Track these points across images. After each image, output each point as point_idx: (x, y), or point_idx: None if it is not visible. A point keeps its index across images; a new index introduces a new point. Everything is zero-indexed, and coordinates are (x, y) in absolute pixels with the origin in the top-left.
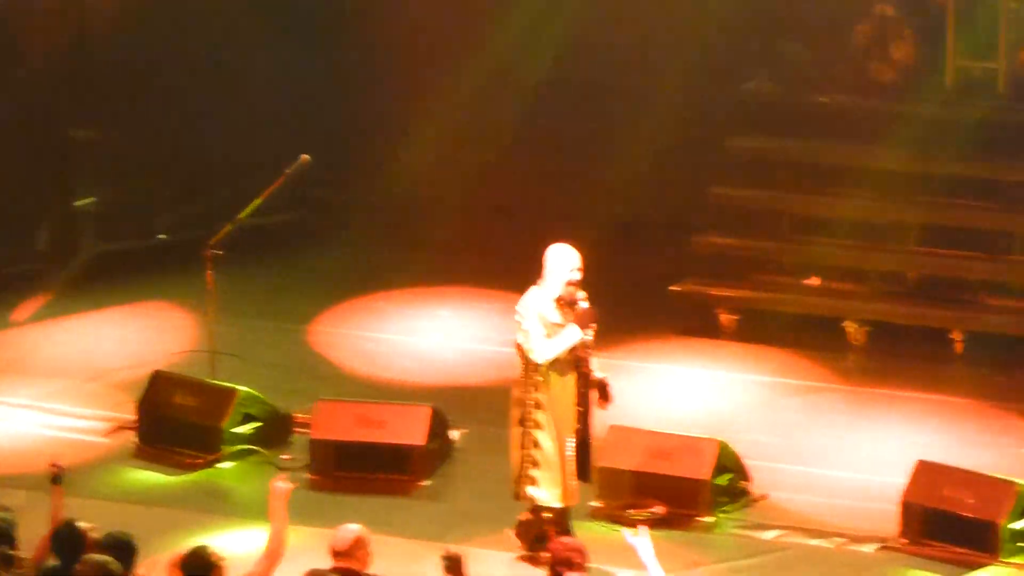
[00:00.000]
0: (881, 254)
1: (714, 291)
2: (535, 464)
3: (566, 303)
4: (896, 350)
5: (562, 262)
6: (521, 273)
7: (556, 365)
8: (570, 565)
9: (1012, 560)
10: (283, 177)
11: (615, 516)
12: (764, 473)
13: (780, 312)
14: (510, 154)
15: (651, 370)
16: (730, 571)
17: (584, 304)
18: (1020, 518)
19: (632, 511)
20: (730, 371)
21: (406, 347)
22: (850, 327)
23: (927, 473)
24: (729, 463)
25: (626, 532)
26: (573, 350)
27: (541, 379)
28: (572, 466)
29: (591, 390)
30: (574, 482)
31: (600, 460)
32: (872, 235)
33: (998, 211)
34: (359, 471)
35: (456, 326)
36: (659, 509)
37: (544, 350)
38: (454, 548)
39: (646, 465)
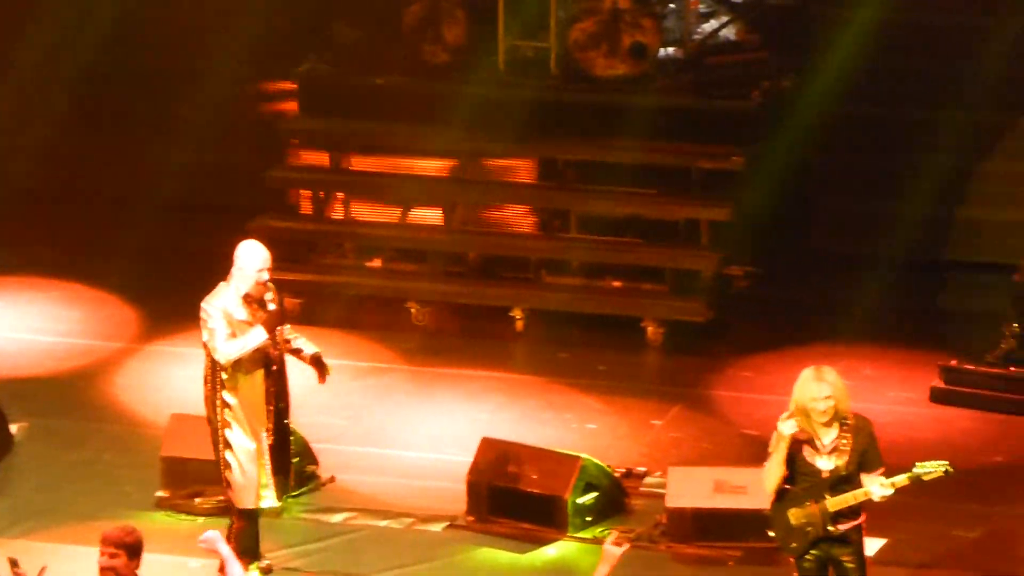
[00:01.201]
0: (441, 235)
1: (276, 275)
2: (227, 466)
3: (255, 301)
4: (459, 329)
5: (251, 259)
6: (77, 259)
7: (241, 365)
8: (121, 544)
9: (579, 534)
10: None
11: (181, 505)
12: (331, 456)
13: (343, 294)
14: (66, 138)
15: None
16: (298, 555)
17: (272, 306)
18: (585, 492)
19: (199, 499)
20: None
21: None
22: (413, 308)
23: (492, 450)
24: (296, 447)
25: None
26: (259, 350)
27: (227, 377)
28: (267, 467)
29: (315, 368)
30: (268, 483)
31: (164, 450)
32: (432, 216)
33: (554, 190)
34: None
35: (10, 316)
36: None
37: (227, 351)
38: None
39: (213, 453)
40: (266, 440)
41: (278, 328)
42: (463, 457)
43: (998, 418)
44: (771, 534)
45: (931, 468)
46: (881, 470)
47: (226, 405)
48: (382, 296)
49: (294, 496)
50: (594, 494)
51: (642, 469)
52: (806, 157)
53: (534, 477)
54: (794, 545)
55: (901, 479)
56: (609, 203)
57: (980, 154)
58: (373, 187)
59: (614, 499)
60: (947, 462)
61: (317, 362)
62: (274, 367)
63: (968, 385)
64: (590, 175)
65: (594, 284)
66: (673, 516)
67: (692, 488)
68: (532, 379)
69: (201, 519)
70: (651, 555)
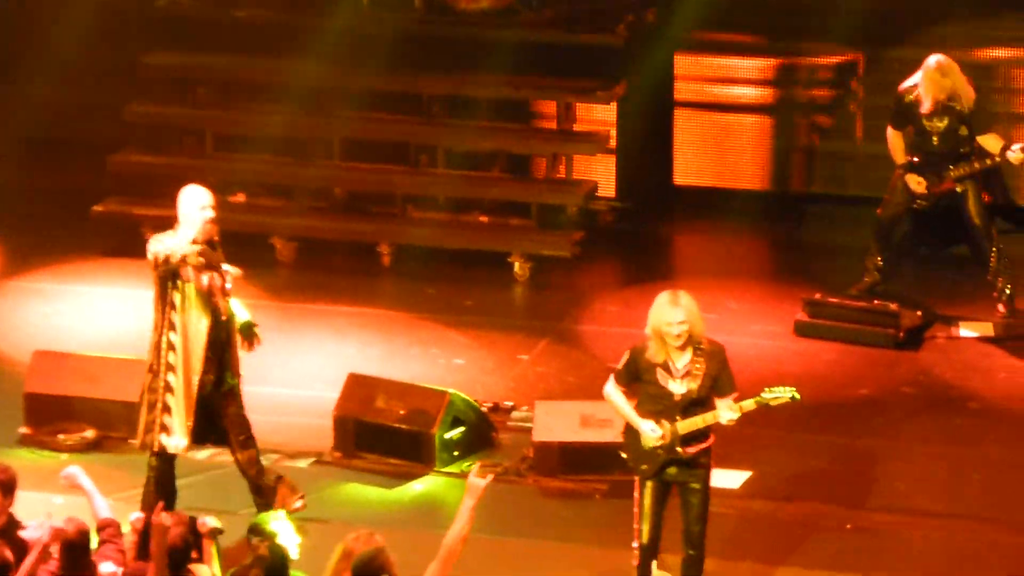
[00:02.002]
0: (306, 169)
1: (138, 210)
2: (168, 411)
3: (203, 244)
4: (325, 265)
5: (192, 199)
6: None
7: (192, 307)
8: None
9: (446, 469)
10: None
11: (45, 442)
12: None
13: None
14: None
15: (76, 292)
16: None
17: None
18: (452, 427)
19: (63, 436)
20: None
21: None
22: (278, 243)
23: (359, 386)
24: None
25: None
26: (212, 295)
27: (177, 318)
28: (190, 410)
29: (236, 334)
30: (183, 424)
31: (27, 386)
32: (296, 150)
33: (419, 124)
34: None
35: None
36: (90, 433)
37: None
38: None
39: (76, 390)
40: (195, 385)
41: (227, 274)
42: (329, 393)
43: (862, 351)
44: (623, 455)
45: (778, 394)
46: (734, 395)
47: (171, 348)
48: (246, 232)
49: None
50: (461, 429)
51: (509, 403)
52: (670, 92)
53: (401, 412)
54: (644, 467)
55: (749, 403)
56: (475, 137)
57: (844, 87)
58: (235, 122)
59: (481, 434)
60: (794, 388)
61: (247, 329)
62: (223, 317)
63: (832, 318)
64: (456, 109)
65: (461, 219)
66: (540, 450)
67: (559, 422)
68: (399, 314)
69: (64, 455)
70: (518, 489)
